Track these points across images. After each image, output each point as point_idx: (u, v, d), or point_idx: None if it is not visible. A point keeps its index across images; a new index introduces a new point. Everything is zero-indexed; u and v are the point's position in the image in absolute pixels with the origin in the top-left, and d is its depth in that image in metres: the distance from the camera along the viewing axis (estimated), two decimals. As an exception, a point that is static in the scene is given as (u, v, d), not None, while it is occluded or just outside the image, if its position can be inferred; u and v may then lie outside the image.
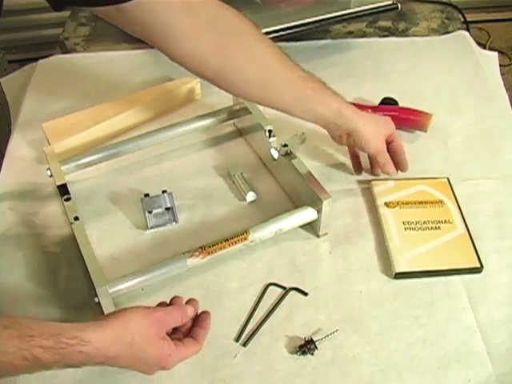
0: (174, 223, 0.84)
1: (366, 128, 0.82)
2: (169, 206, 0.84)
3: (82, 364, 0.58)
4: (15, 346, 0.53)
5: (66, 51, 1.17)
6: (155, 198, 0.85)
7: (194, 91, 1.04)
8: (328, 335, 0.71)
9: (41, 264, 0.80)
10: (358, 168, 0.91)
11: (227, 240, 0.76)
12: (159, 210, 0.84)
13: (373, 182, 0.88)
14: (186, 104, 1.04)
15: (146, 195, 0.85)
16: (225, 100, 0.98)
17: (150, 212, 0.84)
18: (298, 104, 0.80)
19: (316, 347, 0.70)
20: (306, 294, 0.76)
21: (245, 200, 0.88)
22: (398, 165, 0.88)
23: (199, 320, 0.68)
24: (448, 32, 1.20)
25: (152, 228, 0.83)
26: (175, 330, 0.67)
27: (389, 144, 0.87)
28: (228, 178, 0.91)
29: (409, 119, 0.97)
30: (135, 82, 1.07)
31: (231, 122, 0.99)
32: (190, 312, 0.67)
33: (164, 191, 0.85)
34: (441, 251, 0.79)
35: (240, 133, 0.99)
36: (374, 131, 0.84)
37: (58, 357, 0.55)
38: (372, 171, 0.90)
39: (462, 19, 1.25)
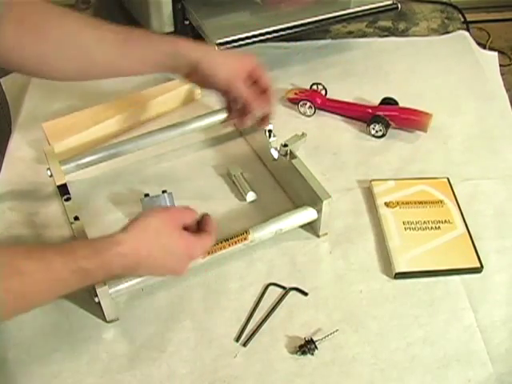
0: None
1: (211, 58, 0.77)
2: (169, 205, 0.84)
3: (122, 269, 0.62)
4: (61, 262, 0.58)
5: (66, 51, 1.17)
6: (155, 198, 0.85)
7: (194, 91, 1.04)
8: (328, 335, 0.71)
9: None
10: (229, 113, 0.85)
11: (227, 240, 0.76)
12: None
13: (373, 182, 0.88)
14: (186, 104, 1.04)
15: (146, 195, 0.85)
16: (225, 100, 0.98)
17: None
18: (125, 59, 0.76)
19: (316, 347, 0.70)
20: (306, 293, 0.76)
21: (245, 200, 0.88)
22: (265, 104, 0.83)
23: (203, 220, 0.71)
24: (448, 32, 1.20)
25: None
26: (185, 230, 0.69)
27: (255, 83, 0.81)
28: (228, 177, 0.91)
29: (409, 119, 0.97)
30: (135, 82, 1.06)
31: (231, 121, 0.98)
32: (195, 213, 0.71)
33: (164, 191, 0.85)
34: (441, 251, 0.79)
35: (240, 133, 0.99)
36: (223, 61, 0.78)
37: (99, 263, 0.60)
38: (239, 120, 0.83)
39: (462, 19, 1.25)
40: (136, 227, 0.64)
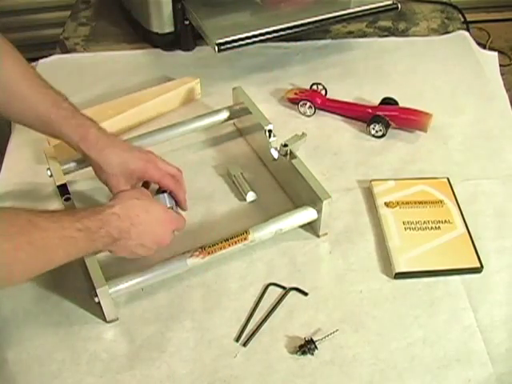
0: None
1: (105, 164, 0.78)
2: (169, 205, 0.84)
3: (118, 230, 0.68)
4: (68, 221, 0.64)
5: (65, 51, 1.17)
6: (155, 198, 0.84)
7: (194, 91, 1.04)
8: (328, 335, 0.71)
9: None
10: None
11: (227, 240, 0.76)
12: None
13: (373, 182, 0.88)
14: (186, 104, 1.04)
15: None
16: (225, 100, 0.98)
17: None
18: (42, 126, 0.78)
19: (316, 347, 0.70)
20: (306, 294, 0.76)
21: (245, 200, 0.88)
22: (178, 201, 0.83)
23: None
24: (448, 32, 1.20)
25: None
26: None
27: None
28: (228, 177, 0.91)
29: (409, 119, 0.97)
30: (135, 82, 1.07)
31: (231, 121, 0.98)
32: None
33: (164, 191, 0.85)
34: (441, 251, 0.79)
35: (240, 133, 0.99)
36: (114, 169, 0.78)
37: (99, 222, 0.66)
38: None
39: (462, 19, 1.25)
40: (120, 197, 0.72)
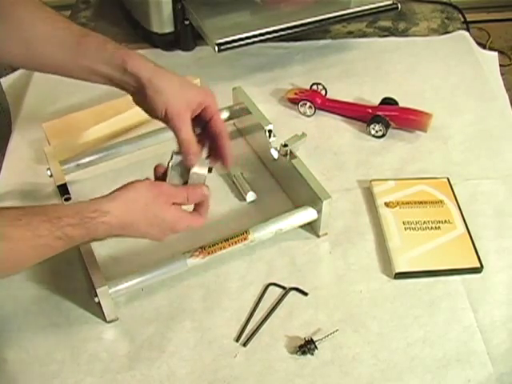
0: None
1: (157, 81, 0.68)
2: (202, 170, 0.72)
3: (106, 235, 0.64)
4: (47, 229, 0.59)
5: (66, 51, 1.17)
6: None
7: (194, 91, 1.04)
8: (328, 335, 0.71)
9: (41, 264, 0.80)
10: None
11: (227, 240, 0.76)
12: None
13: (373, 182, 0.88)
14: (186, 104, 1.04)
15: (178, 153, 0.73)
16: (225, 100, 0.97)
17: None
18: (73, 64, 0.70)
19: (316, 347, 0.70)
20: (306, 293, 0.76)
21: (245, 200, 0.88)
22: (219, 154, 0.73)
23: (199, 202, 0.71)
24: (448, 32, 1.20)
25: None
26: None
27: (207, 123, 0.72)
28: (228, 177, 0.91)
29: (409, 119, 0.97)
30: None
31: (231, 122, 0.98)
32: (201, 194, 0.70)
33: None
34: (441, 251, 0.79)
35: (240, 133, 0.99)
36: (169, 87, 0.68)
37: (85, 231, 0.61)
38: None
39: (462, 19, 1.25)
40: (126, 196, 0.65)
